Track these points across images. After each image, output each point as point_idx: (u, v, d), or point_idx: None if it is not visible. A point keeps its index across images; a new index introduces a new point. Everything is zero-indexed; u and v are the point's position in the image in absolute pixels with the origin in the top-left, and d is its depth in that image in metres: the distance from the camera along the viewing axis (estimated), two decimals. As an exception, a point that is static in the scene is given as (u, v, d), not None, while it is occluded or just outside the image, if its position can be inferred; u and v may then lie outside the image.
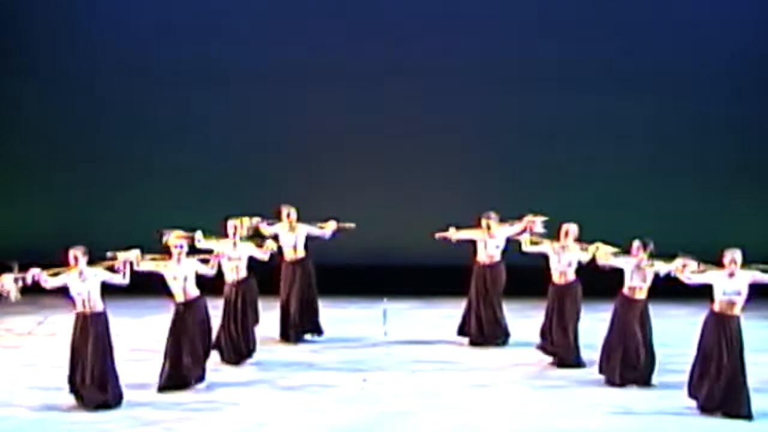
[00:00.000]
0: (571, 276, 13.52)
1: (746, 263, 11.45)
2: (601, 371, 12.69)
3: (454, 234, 14.52)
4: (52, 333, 15.24)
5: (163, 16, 18.00)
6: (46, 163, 18.10)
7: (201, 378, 12.51)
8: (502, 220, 14.44)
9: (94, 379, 11.57)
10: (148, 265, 12.16)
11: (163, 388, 12.27)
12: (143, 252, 12.14)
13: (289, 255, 14.79)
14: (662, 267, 12.13)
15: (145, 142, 17.97)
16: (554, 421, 11.29)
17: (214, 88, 17.78)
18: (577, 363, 13.39)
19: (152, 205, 17.36)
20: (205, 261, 12.66)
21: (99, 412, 11.49)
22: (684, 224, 16.82)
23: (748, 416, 11.40)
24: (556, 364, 13.48)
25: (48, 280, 11.57)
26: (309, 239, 14.87)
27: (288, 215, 14.72)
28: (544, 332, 13.62)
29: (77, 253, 11.57)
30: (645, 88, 17.56)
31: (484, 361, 13.82)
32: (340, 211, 15.40)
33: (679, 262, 11.75)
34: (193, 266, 12.45)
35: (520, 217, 14.16)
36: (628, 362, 12.49)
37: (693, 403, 11.61)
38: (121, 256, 11.90)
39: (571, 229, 13.51)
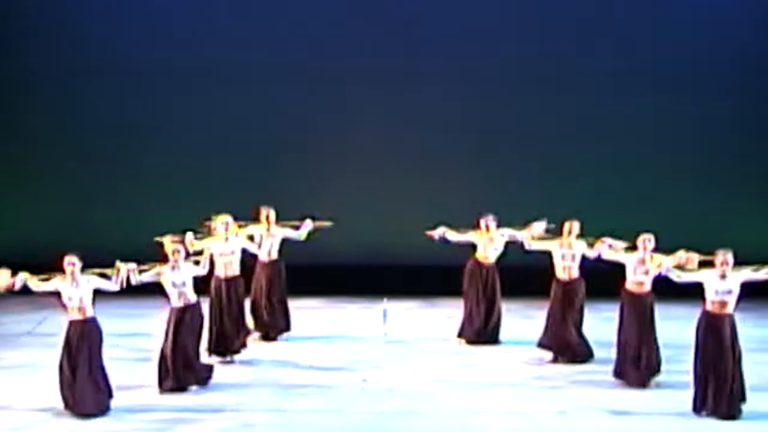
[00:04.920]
0: (576, 272, 13.60)
1: (741, 264, 11.43)
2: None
3: (448, 234, 14.53)
4: (52, 333, 15.22)
5: (153, 16, 17.94)
6: (33, 163, 18.06)
7: (206, 380, 12.54)
8: (500, 224, 14.47)
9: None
10: (146, 276, 12.08)
11: (166, 389, 12.26)
12: (139, 262, 12.06)
13: (263, 257, 14.73)
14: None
15: (135, 142, 17.93)
16: (554, 421, 11.28)
17: (209, 88, 17.73)
18: (590, 355, 13.49)
19: (141, 206, 17.36)
20: (196, 262, 12.62)
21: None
22: (684, 224, 16.80)
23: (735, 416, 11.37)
24: (566, 360, 13.47)
25: (40, 285, 11.66)
26: (285, 242, 14.82)
27: (267, 217, 14.67)
28: (547, 329, 13.65)
29: (73, 259, 11.54)
30: (645, 88, 17.55)
31: (484, 361, 13.81)
32: (340, 211, 15.40)
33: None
34: (190, 271, 12.39)
35: (525, 224, 14.21)
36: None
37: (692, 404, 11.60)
38: (121, 267, 11.82)
39: (574, 226, 13.63)
